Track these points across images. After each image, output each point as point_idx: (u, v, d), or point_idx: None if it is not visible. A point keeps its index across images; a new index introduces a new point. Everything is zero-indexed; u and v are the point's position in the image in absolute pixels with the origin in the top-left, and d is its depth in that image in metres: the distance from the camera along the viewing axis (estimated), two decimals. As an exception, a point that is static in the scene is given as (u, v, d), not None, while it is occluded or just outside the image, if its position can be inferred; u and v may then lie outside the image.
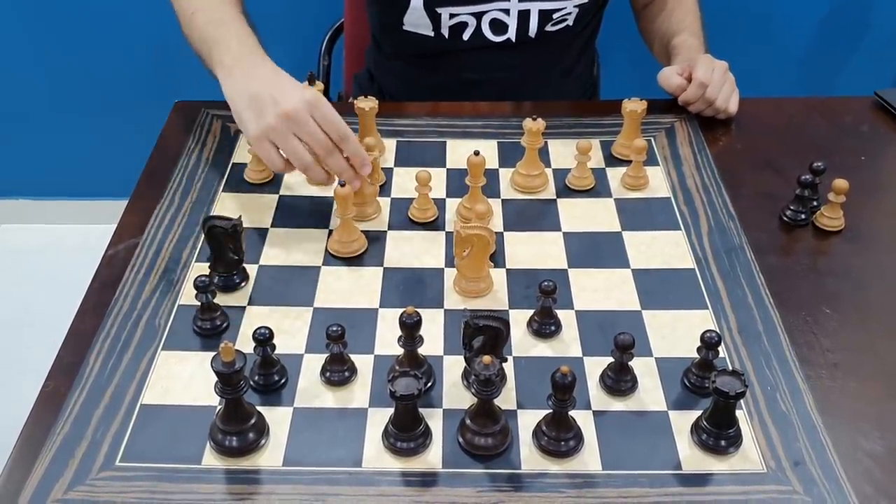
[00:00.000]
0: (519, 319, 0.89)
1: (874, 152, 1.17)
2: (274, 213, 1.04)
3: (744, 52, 2.01)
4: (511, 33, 1.28)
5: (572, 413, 0.76)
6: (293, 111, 0.94)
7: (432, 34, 1.29)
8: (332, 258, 0.97)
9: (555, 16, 1.28)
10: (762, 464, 0.76)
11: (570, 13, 1.29)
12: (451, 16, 1.26)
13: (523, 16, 1.27)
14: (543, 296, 0.86)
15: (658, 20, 1.37)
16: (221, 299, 0.90)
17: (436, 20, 1.27)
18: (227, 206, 1.05)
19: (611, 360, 0.81)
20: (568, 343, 0.87)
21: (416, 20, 1.28)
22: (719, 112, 1.19)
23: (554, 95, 1.37)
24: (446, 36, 1.29)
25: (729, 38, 1.58)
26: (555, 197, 1.07)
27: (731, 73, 1.20)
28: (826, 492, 0.73)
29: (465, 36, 1.28)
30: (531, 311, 0.89)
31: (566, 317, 0.89)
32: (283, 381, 0.82)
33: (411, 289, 0.93)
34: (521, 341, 0.87)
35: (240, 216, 0.91)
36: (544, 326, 0.88)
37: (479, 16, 1.26)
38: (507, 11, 1.26)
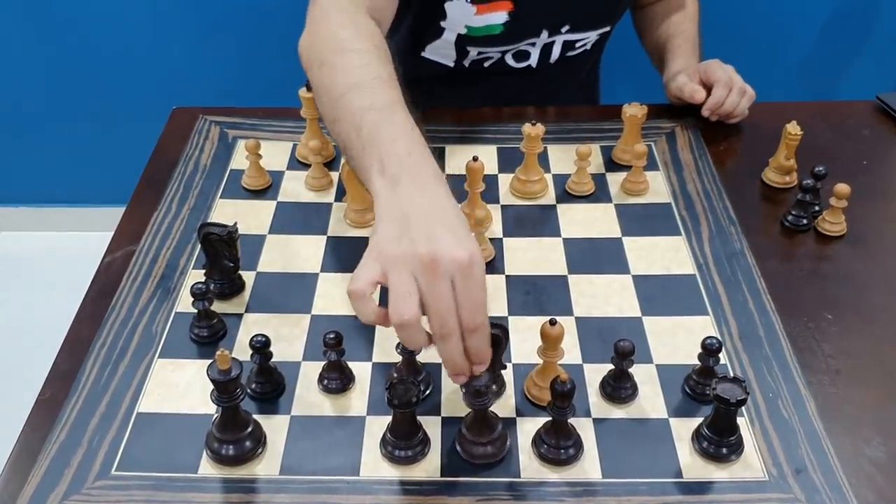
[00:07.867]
0: (520, 328, 0.88)
1: (876, 156, 1.16)
2: (272, 220, 1.03)
3: (745, 57, 2.01)
4: (532, 60, 1.26)
5: (572, 421, 0.76)
6: (440, 260, 0.68)
7: (452, 65, 1.26)
8: (328, 265, 0.97)
9: (577, 45, 1.26)
10: (764, 471, 0.75)
11: (591, 41, 1.27)
12: (480, 52, 1.24)
13: (546, 46, 1.25)
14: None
15: (658, 18, 1.36)
16: (218, 306, 0.89)
17: (462, 54, 1.24)
18: (224, 212, 1.04)
19: (611, 367, 0.81)
20: (567, 350, 0.86)
21: (440, 50, 1.25)
22: (734, 117, 1.18)
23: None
24: (466, 65, 1.26)
25: (730, 43, 1.58)
26: (554, 202, 1.07)
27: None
28: (828, 499, 0.72)
29: (486, 64, 1.26)
30: (530, 318, 0.89)
31: (565, 323, 0.88)
32: (280, 388, 0.82)
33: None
34: (524, 351, 0.86)
35: (235, 223, 0.90)
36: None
37: (504, 51, 1.24)
38: (532, 44, 1.24)
